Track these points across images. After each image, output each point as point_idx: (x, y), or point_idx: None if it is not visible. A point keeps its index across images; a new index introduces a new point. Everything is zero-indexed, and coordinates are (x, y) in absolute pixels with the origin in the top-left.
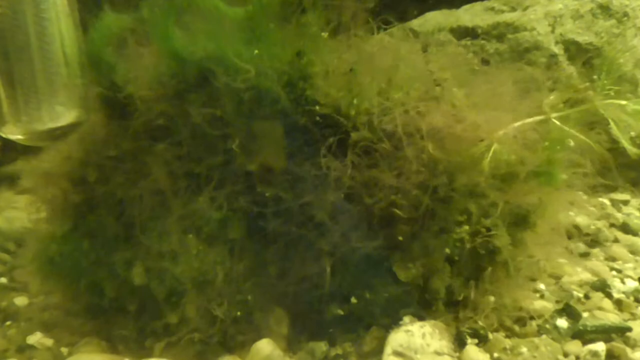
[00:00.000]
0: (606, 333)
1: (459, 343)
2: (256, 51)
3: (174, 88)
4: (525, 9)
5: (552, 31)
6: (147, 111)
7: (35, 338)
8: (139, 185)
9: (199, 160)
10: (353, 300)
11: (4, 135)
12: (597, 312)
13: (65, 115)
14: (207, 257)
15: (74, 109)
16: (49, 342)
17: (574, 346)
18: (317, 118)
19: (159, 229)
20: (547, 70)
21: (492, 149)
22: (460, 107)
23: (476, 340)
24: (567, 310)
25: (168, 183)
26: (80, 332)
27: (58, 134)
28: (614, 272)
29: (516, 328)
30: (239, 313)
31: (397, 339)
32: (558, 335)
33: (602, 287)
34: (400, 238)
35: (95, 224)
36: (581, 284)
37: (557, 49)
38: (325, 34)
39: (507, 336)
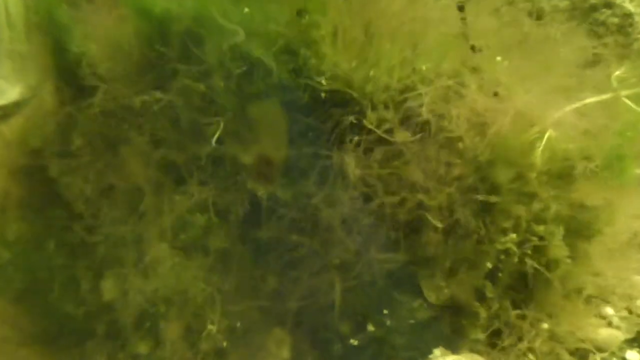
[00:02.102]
0: None
1: None
2: (246, 9)
3: (145, 56)
4: None
5: None
6: (112, 86)
7: None
8: (102, 181)
9: (178, 150)
10: (370, 327)
11: None
12: None
13: (7, 92)
14: (185, 271)
15: (19, 84)
16: None
17: None
18: (324, 94)
19: (127, 235)
20: (619, 34)
21: (546, 136)
22: (506, 82)
23: None
24: None
25: (141, 177)
26: None
27: None
28: None
29: None
30: (225, 344)
31: None
32: None
33: None
34: (430, 249)
35: (44, 227)
36: None
37: (633, 7)
38: None
39: None
